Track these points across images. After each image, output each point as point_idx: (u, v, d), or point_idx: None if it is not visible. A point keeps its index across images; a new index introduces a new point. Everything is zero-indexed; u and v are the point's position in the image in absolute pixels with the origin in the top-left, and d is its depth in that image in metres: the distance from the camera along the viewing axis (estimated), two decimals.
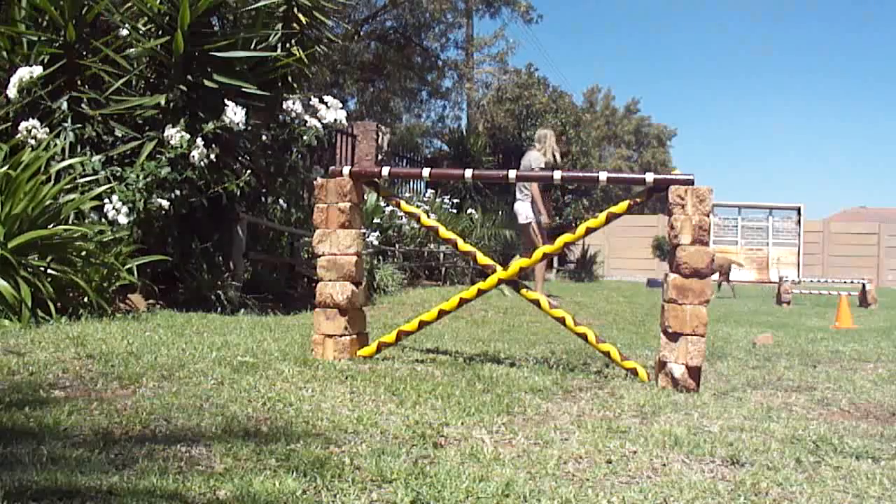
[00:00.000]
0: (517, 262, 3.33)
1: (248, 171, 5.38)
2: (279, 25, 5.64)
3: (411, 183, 12.60)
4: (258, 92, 5.10)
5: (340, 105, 6.02)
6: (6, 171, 3.89)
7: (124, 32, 5.16)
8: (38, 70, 4.61)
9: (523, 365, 3.24)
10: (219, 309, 4.95)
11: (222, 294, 5.07)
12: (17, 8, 4.95)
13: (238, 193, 5.24)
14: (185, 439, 1.84)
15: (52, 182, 4.15)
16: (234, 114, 4.89)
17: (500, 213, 13.83)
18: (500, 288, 4.15)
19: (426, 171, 3.36)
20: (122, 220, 4.40)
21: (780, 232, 22.68)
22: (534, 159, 7.22)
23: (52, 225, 3.98)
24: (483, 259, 3.40)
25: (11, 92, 4.59)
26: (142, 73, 5.18)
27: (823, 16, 69.25)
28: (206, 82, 4.97)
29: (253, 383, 2.53)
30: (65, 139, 4.68)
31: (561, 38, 65.67)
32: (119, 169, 4.68)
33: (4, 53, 4.96)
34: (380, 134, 12.12)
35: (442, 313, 3.32)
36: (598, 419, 2.31)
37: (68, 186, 4.30)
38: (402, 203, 3.67)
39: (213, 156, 4.87)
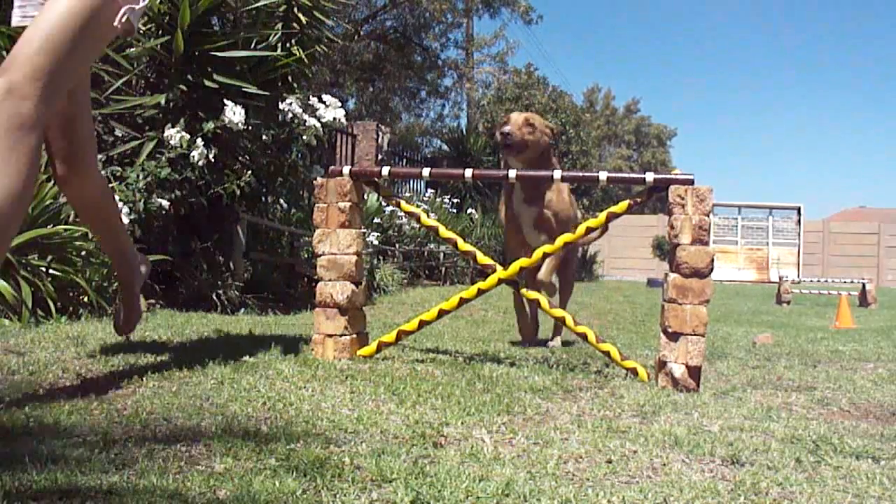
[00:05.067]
0: (517, 262, 3.33)
1: (248, 171, 5.38)
2: (279, 25, 5.64)
3: (411, 183, 12.61)
4: (258, 92, 5.11)
5: (339, 104, 6.02)
6: None
7: None
8: None
9: (523, 365, 3.24)
10: (219, 309, 4.95)
11: (222, 294, 5.07)
12: None
13: (238, 193, 5.24)
14: (185, 439, 1.84)
15: (53, 182, 4.15)
16: (234, 114, 4.89)
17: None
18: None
19: (426, 171, 3.36)
20: (123, 219, 4.40)
21: (780, 232, 22.71)
22: None
23: (52, 224, 3.97)
24: (483, 259, 3.40)
25: None
26: (142, 72, 5.18)
27: (823, 16, 69.25)
28: (206, 82, 4.97)
29: (253, 383, 2.53)
30: None
31: (561, 38, 65.70)
32: (119, 169, 4.68)
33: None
34: (380, 133, 12.13)
35: (442, 313, 3.32)
36: (598, 419, 2.31)
37: None
38: (402, 203, 3.68)
39: (212, 156, 4.87)
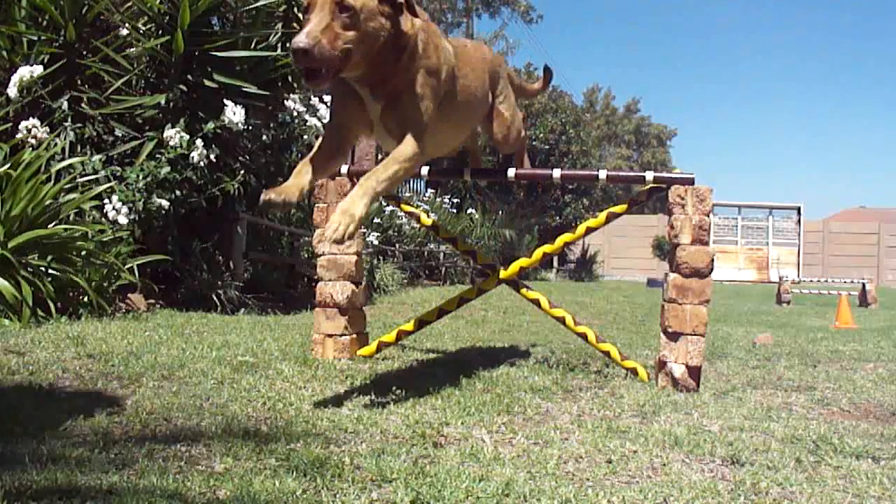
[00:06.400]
0: (517, 262, 3.33)
1: (248, 171, 5.38)
2: (279, 25, 5.64)
3: (411, 183, 12.59)
4: (258, 92, 5.10)
5: None
6: (6, 171, 3.89)
7: (124, 32, 5.16)
8: (38, 69, 4.61)
9: (523, 365, 3.24)
10: (219, 308, 4.95)
11: (222, 294, 5.07)
12: (17, 7, 4.95)
13: (238, 193, 5.24)
14: (185, 439, 1.84)
15: (53, 182, 4.15)
16: (234, 114, 4.89)
17: (500, 212, 13.82)
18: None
19: (425, 171, 3.36)
20: (122, 219, 4.40)
21: (779, 231, 22.70)
22: None
23: (52, 224, 3.97)
24: (483, 259, 3.41)
25: (12, 91, 4.59)
26: (142, 72, 5.18)
27: (823, 16, 69.29)
28: (206, 82, 4.96)
29: (253, 383, 2.53)
30: (65, 139, 4.67)
31: (561, 38, 65.77)
32: (119, 169, 4.68)
33: (4, 53, 4.96)
34: None
35: (442, 313, 3.32)
36: (598, 419, 2.31)
37: (68, 186, 4.30)
38: (402, 203, 3.68)
39: (212, 156, 4.87)
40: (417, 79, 2.46)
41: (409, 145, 2.42)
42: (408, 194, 12.00)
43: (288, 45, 5.71)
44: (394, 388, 2.58)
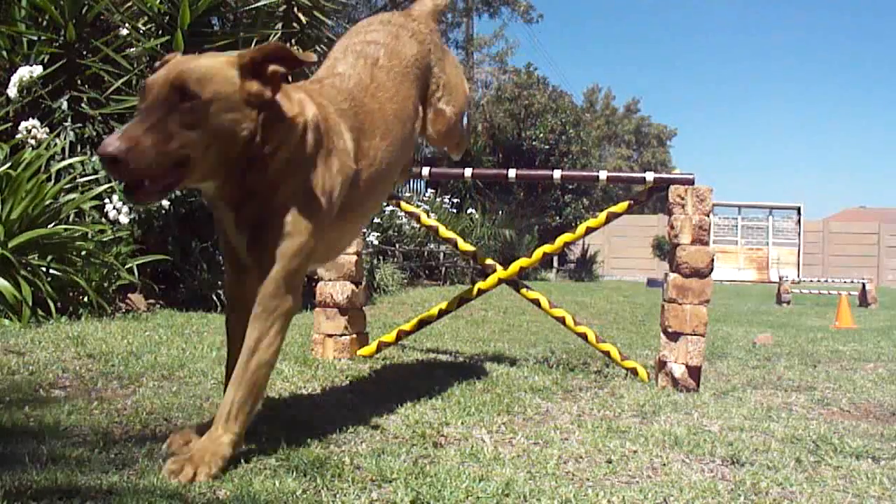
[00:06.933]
0: (517, 262, 3.33)
1: None
2: (279, 25, 5.64)
3: (411, 183, 12.60)
4: None
5: None
6: (6, 171, 3.89)
7: (124, 32, 5.16)
8: (38, 69, 4.61)
9: (523, 365, 3.24)
10: (219, 308, 4.95)
11: (222, 293, 5.07)
12: (17, 7, 4.95)
13: None
14: None
15: (53, 182, 4.15)
16: None
17: (500, 213, 13.82)
18: None
19: (426, 171, 3.36)
20: (123, 219, 4.40)
21: (779, 231, 22.68)
22: None
23: (52, 224, 3.97)
24: (483, 259, 3.41)
25: (11, 91, 4.59)
26: (142, 72, 5.18)
27: (823, 16, 69.31)
28: None
29: None
30: (65, 139, 4.68)
31: (561, 38, 65.82)
32: None
33: (4, 53, 4.96)
34: None
35: (442, 313, 3.32)
36: (598, 419, 2.31)
37: (68, 186, 4.30)
38: (403, 203, 3.68)
39: None
40: (298, 199, 1.75)
41: (267, 318, 1.72)
42: (408, 194, 12.00)
43: (288, 45, 5.75)
44: (394, 388, 2.58)
